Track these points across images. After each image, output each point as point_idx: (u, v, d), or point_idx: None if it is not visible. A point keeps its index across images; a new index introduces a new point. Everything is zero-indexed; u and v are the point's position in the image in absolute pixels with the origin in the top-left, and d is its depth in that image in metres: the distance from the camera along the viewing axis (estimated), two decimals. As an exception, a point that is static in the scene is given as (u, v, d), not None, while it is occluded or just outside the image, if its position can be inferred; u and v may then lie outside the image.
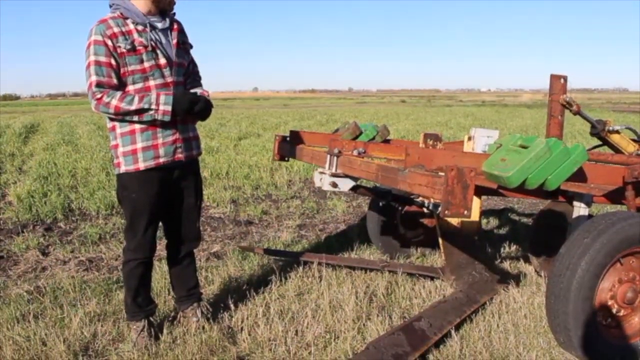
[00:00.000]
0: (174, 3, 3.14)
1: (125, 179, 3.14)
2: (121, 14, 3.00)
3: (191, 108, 3.06)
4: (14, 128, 20.32)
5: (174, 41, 3.13)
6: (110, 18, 2.99)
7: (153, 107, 2.95)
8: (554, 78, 3.93)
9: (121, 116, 2.99)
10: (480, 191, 3.15)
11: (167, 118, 2.99)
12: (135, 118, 2.99)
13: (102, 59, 2.93)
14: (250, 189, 8.28)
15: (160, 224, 3.39)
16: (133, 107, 2.94)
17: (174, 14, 3.22)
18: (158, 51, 3.04)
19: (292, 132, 4.57)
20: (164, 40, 3.09)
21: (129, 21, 3.00)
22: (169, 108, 2.97)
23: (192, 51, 3.36)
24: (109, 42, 2.93)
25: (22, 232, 5.86)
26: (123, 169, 3.11)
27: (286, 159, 4.60)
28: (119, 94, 2.95)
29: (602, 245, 2.79)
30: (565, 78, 3.94)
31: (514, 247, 5.14)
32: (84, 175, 9.02)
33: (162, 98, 2.97)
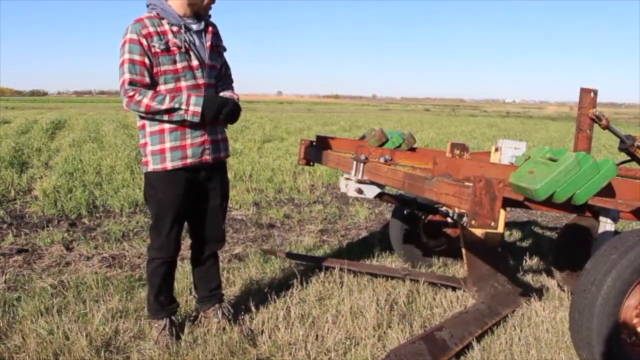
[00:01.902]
0: (209, 8, 3.16)
1: (153, 177, 3.17)
2: (157, 14, 3.05)
3: (220, 111, 3.08)
4: (41, 124, 20.60)
5: (208, 43, 3.16)
6: (147, 17, 3.04)
7: (183, 107, 2.98)
8: (584, 92, 3.90)
9: (151, 115, 3.03)
10: (506, 203, 3.13)
11: (197, 119, 3.01)
12: (165, 117, 3.02)
13: (136, 57, 2.98)
14: (273, 192, 8.30)
15: (186, 224, 3.42)
16: (164, 107, 2.97)
17: (210, 16, 3.25)
18: (191, 53, 3.08)
19: (318, 137, 4.59)
20: (197, 42, 3.12)
21: (164, 22, 3.04)
22: (199, 109, 2.99)
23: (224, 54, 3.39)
24: (144, 41, 2.98)
25: (47, 226, 5.93)
26: (151, 167, 3.15)
27: (311, 163, 4.61)
28: (150, 92, 2.98)
29: (630, 262, 2.76)
30: (595, 92, 3.91)
31: (536, 260, 5.10)
32: (109, 173, 9.10)
33: (192, 99, 2.99)
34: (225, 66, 3.39)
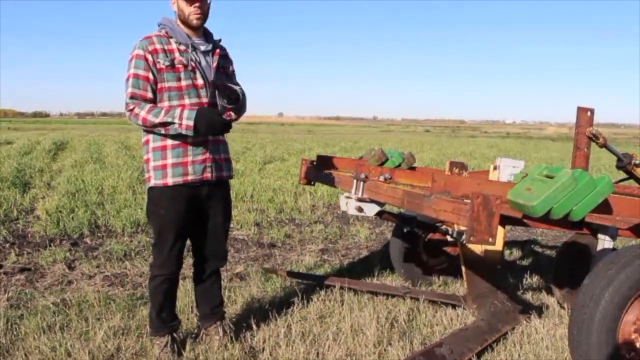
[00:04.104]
0: (197, 20, 3.16)
1: (155, 193, 3.23)
2: (166, 32, 3.16)
3: (213, 127, 3.08)
4: (43, 145, 20.71)
5: (214, 64, 3.23)
6: (155, 35, 3.15)
7: (177, 120, 3.03)
8: (581, 110, 3.95)
9: (150, 128, 3.10)
10: (505, 220, 3.16)
11: (190, 132, 3.04)
12: (162, 131, 3.09)
13: (141, 72, 3.07)
14: (274, 212, 8.33)
15: (189, 242, 3.45)
16: (158, 120, 3.04)
17: (220, 40, 3.35)
18: (197, 71, 3.15)
19: (319, 156, 4.63)
20: (204, 62, 3.20)
21: (172, 40, 3.14)
22: (192, 123, 3.02)
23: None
24: (150, 57, 3.08)
25: (49, 246, 5.96)
26: (152, 182, 3.21)
27: (312, 183, 4.65)
28: (148, 106, 3.07)
29: (627, 277, 2.78)
30: (592, 111, 3.96)
31: (536, 278, 5.12)
32: (111, 193, 9.13)
33: (185, 113, 3.04)
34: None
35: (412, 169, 4.55)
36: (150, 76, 3.09)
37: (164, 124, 3.05)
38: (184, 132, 3.05)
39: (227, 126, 3.16)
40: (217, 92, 3.17)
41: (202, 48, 3.22)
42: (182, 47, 3.15)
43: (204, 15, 3.19)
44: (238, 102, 3.22)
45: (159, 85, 3.12)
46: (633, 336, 2.94)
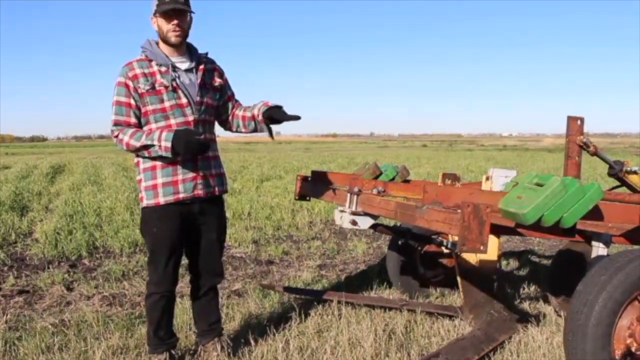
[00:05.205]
0: (177, 37, 3.17)
1: (147, 212, 3.27)
2: (146, 56, 3.20)
3: (190, 147, 3.08)
4: (41, 168, 20.78)
5: (198, 81, 3.26)
6: (136, 60, 3.20)
7: (155, 143, 3.08)
8: (571, 119, 3.99)
9: (134, 152, 3.17)
10: (499, 230, 3.18)
11: (169, 154, 3.08)
12: (146, 154, 3.14)
13: (123, 99, 3.14)
14: (272, 229, 8.34)
15: (185, 259, 3.47)
16: (139, 144, 3.10)
17: (207, 53, 3.38)
18: (179, 91, 3.18)
19: (313, 172, 4.66)
20: (187, 81, 3.23)
21: (153, 63, 3.18)
22: (169, 144, 3.06)
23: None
24: (130, 84, 3.13)
25: (48, 267, 5.99)
26: (145, 202, 3.25)
27: (307, 198, 4.67)
28: (130, 131, 3.12)
29: (620, 282, 2.80)
30: (582, 119, 4.00)
31: (533, 288, 5.13)
32: (109, 214, 9.16)
33: (163, 134, 3.08)
34: (233, 98, 3.53)
35: (406, 182, 4.57)
36: (132, 102, 3.15)
37: (145, 147, 3.10)
38: (163, 153, 3.09)
39: (205, 146, 3.18)
40: (269, 127, 3.38)
41: (183, 67, 3.25)
42: (163, 69, 3.18)
43: (184, 31, 3.21)
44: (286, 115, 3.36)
45: (143, 109, 3.17)
46: (628, 341, 2.96)
